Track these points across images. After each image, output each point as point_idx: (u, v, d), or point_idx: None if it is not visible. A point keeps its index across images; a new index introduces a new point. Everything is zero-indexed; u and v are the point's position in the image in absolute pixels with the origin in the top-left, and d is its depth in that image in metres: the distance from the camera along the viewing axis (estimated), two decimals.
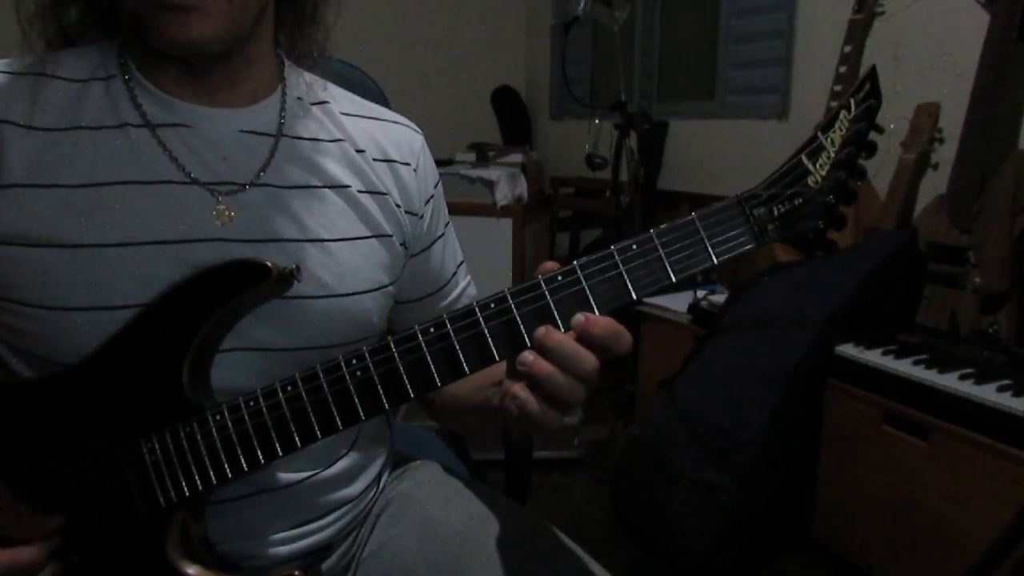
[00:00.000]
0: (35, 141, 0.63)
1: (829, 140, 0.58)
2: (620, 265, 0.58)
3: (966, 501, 1.51)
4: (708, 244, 0.57)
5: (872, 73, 0.59)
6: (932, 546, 1.58)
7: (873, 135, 0.59)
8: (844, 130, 0.58)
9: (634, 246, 0.58)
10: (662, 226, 0.58)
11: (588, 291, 0.58)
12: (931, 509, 1.58)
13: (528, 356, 0.57)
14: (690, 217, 0.58)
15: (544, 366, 0.57)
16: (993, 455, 1.46)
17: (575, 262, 0.58)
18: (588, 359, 0.57)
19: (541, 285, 0.58)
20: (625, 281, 0.58)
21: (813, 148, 0.58)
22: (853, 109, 0.58)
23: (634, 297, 0.58)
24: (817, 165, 0.58)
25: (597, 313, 0.58)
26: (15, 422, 0.64)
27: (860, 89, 0.59)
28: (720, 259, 0.57)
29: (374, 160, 0.76)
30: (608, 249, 0.58)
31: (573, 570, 0.76)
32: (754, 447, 1.79)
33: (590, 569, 0.76)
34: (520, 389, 0.58)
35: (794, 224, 0.58)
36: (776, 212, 0.58)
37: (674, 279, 0.58)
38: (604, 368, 0.59)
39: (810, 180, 0.58)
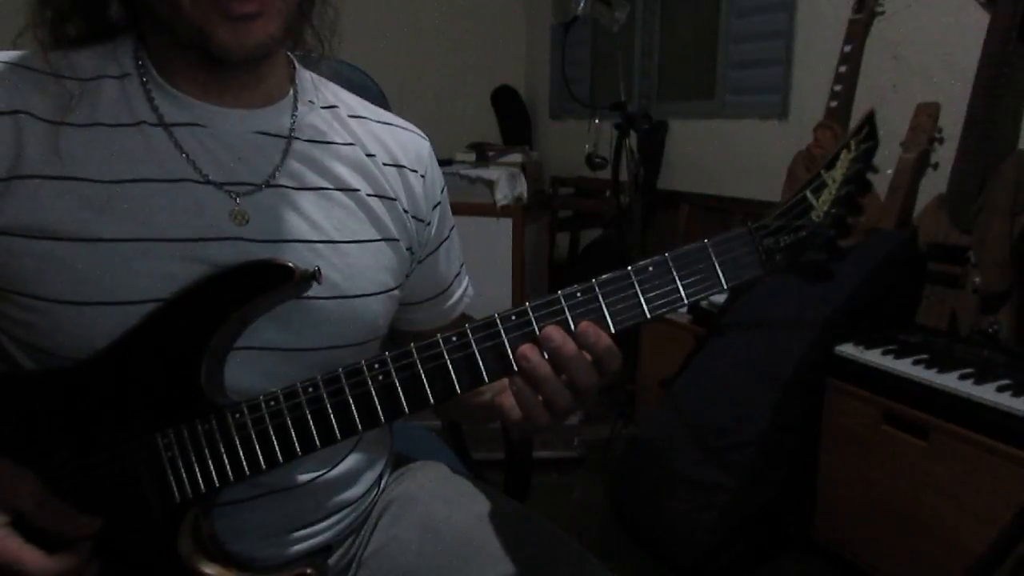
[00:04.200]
0: (52, 135, 0.63)
1: (831, 178, 0.62)
2: (636, 285, 0.61)
3: (966, 501, 1.51)
4: (719, 270, 0.61)
5: (871, 117, 0.63)
6: (932, 546, 1.58)
7: (869, 174, 0.63)
8: (845, 169, 0.62)
9: (650, 268, 0.61)
10: (676, 250, 0.61)
11: (605, 308, 0.61)
12: (931, 509, 1.58)
13: (530, 353, 0.60)
14: (703, 243, 0.61)
15: (541, 364, 0.60)
16: (993, 455, 1.46)
17: (593, 280, 0.61)
18: (586, 367, 0.61)
19: (561, 300, 0.61)
20: (640, 301, 0.61)
21: (816, 184, 0.62)
22: (853, 149, 0.62)
23: (648, 317, 0.61)
24: (820, 201, 0.62)
25: (613, 330, 0.61)
26: (32, 413, 0.64)
27: (859, 131, 0.62)
28: (730, 284, 0.61)
29: (384, 164, 0.77)
30: (625, 270, 0.61)
31: (575, 569, 0.76)
32: (754, 447, 1.79)
33: (592, 568, 0.76)
34: (521, 382, 0.62)
35: (798, 254, 0.62)
36: (782, 243, 0.61)
37: (686, 302, 0.61)
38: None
39: (813, 215, 0.62)
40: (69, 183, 0.62)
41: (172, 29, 0.63)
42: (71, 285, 0.62)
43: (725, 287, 0.61)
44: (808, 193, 0.62)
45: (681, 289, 0.61)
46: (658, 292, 0.61)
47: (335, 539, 0.78)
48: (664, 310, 0.61)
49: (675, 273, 0.61)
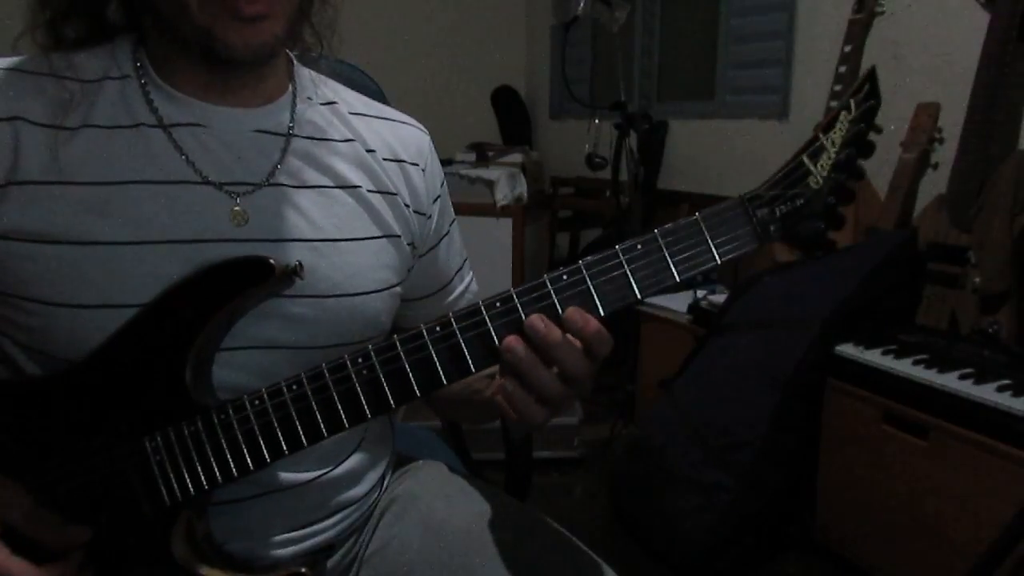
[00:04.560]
0: (50, 139, 0.63)
1: (830, 141, 0.58)
2: (625, 265, 0.58)
3: (966, 501, 1.51)
4: (712, 244, 0.58)
5: (871, 74, 0.60)
6: (932, 546, 1.58)
7: (873, 135, 0.60)
8: (844, 131, 0.58)
9: (638, 246, 0.58)
10: (666, 226, 0.58)
11: (593, 290, 0.58)
12: (931, 509, 1.58)
13: (515, 345, 0.58)
14: (694, 217, 0.58)
15: (527, 357, 0.58)
16: (993, 455, 1.46)
17: (580, 261, 0.59)
18: (576, 355, 0.58)
19: (547, 284, 0.59)
20: (630, 281, 0.58)
21: (814, 149, 0.59)
22: (853, 110, 0.59)
23: (638, 297, 0.59)
24: (818, 166, 0.58)
25: (602, 313, 0.58)
26: (17, 421, 0.64)
27: (860, 90, 0.59)
28: (723, 259, 0.58)
29: (384, 160, 0.77)
30: (612, 249, 0.58)
31: (577, 567, 0.76)
32: (754, 447, 1.79)
33: (593, 566, 0.76)
34: (508, 381, 0.60)
35: (796, 224, 0.58)
36: (778, 212, 0.58)
37: (678, 279, 0.58)
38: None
39: (811, 181, 0.58)
40: (67, 187, 0.62)
41: (177, 29, 0.63)
42: (71, 288, 0.62)
43: (719, 261, 0.58)
44: (805, 158, 0.58)
45: (672, 266, 0.58)
46: (648, 271, 0.58)
47: (338, 538, 0.78)
48: (655, 289, 0.58)
49: (665, 250, 0.58)
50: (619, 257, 0.58)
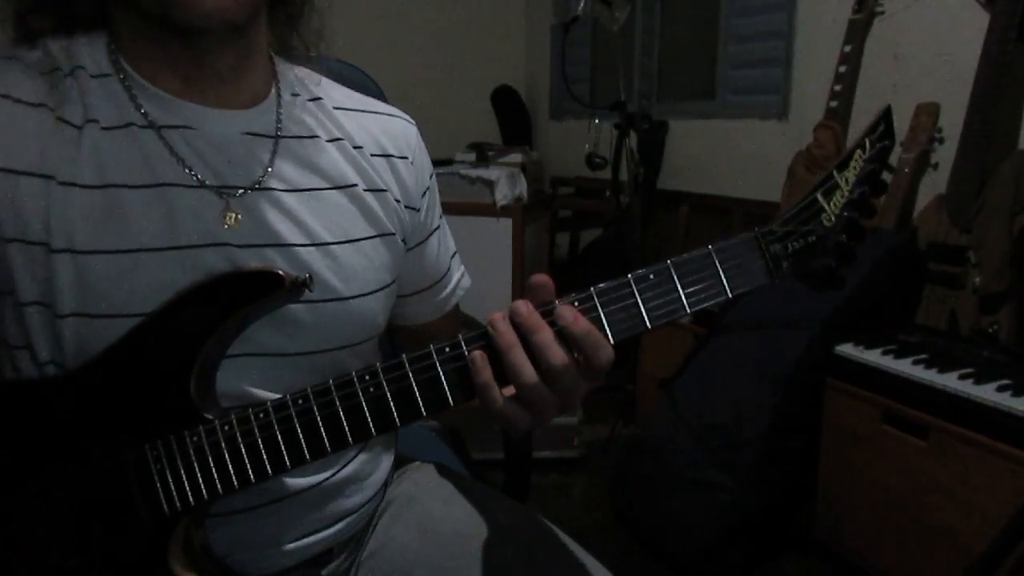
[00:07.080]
0: (51, 130, 0.62)
1: (844, 179, 0.59)
2: (637, 295, 0.58)
3: (966, 501, 1.51)
4: (724, 278, 0.58)
5: (887, 114, 0.60)
6: (932, 546, 1.58)
7: (886, 175, 0.61)
8: (858, 169, 0.59)
9: (651, 276, 0.58)
10: (679, 257, 0.59)
11: (604, 318, 0.58)
12: (931, 509, 1.58)
13: (498, 320, 0.57)
14: (706, 250, 0.59)
15: (507, 334, 0.57)
16: (993, 455, 1.46)
17: (592, 288, 0.59)
18: (555, 350, 0.56)
19: (557, 308, 0.58)
20: (641, 311, 0.58)
21: (828, 187, 0.59)
22: (868, 149, 0.59)
23: (648, 327, 0.59)
24: (831, 204, 0.59)
25: (612, 340, 0.58)
26: (18, 424, 0.63)
27: (874, 130, 0.60)
28: (735, 293, 0.58)
29: (372, 156, 0.76)
30: (625, 278, 0.59)
31: (574, 569, 0.76)
32: (754, 447, 1.79)
33: (591, 568, 0.76)
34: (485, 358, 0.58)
35: (808, 261, 0.59)
36: (790, 248, 0.59)
37: (688, 311, 0.58)
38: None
39: (824, 218, 0.59)
40: (68, 189, 0.61)
41: (135, 4, 0.60)
42: (74, 297, 0.61)
43: (730, 295, 0.58)
44: (819, 196, 0.59)
45: (683, 298, 0.58)
46: (659, 301, 0.58)
47: (336, 543, 0.77)
48: (665, 320, 0.58)
49: (677, 281, 0.58)
50: (631, 286, 0.58)
